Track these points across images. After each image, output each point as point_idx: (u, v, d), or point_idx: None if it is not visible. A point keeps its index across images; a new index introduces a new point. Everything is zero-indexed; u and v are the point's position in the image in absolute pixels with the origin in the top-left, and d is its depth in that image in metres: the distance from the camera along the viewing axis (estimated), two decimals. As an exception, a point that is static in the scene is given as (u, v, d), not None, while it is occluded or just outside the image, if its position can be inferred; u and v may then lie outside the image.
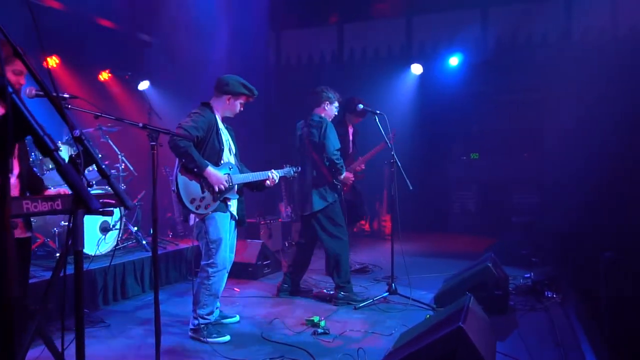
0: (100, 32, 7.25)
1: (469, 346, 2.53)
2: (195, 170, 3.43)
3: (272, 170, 3.87)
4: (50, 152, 0.81)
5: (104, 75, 7.54)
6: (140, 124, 2.53)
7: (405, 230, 8.12)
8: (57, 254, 4.53)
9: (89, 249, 4.56)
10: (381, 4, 8.98)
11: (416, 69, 8.40)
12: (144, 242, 5.13)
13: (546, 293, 4.50)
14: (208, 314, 3.66)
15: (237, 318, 4.04)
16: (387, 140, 4.46)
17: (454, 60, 8.26)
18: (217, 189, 3.50)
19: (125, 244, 5.17)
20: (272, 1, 8.28)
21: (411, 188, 4.35)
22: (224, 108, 3.72)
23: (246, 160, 4.03)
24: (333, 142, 4.39)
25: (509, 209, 8.75)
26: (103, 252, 4.78)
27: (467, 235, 8.35)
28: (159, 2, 7.41)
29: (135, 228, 5.30)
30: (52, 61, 6.69)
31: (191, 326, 3.67)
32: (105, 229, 4.80)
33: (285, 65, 9.65)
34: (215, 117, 3.66)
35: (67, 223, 4.67)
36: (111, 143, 5.47)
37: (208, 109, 3.66)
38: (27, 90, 2.45)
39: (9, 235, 0.78)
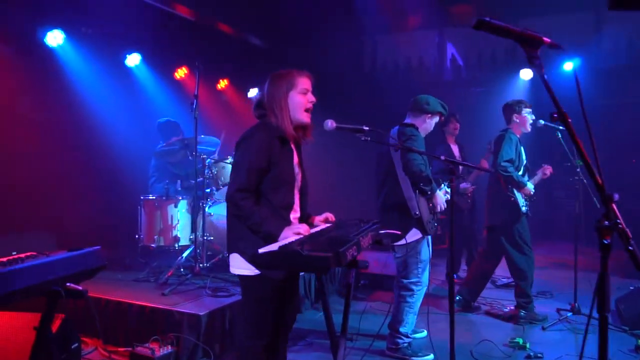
0: (221, 38, 7.32)
1: None
2: (429, 192, 3.42)
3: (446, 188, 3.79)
4: None
5: (222, 84, 7.65)
6: (443, 157, 2.52)
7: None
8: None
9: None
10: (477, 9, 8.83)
11: (525, 74, 8.22)
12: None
13: None
14: (412, 332, 3.67)
15: (425, 333, 4.03)
16: (571, 156, 4.36)
17: (568, 66, 8.04)
18: (438, 209, 3.50)
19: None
20: (366, 5, 8.21)
21: (599, 207, 4.24)
22: (422, 127, 3.70)
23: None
24: (505, 152, 4.31)
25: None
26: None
27: (575, 244, 8.09)
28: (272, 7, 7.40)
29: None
30: (182, 72, 6.81)
31: (391, 345, 3.68)
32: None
33: (380, 70, 9.60)
34: None
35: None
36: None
37: (415, 129, 3.64)
38: (330, 124, 2.43)
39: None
